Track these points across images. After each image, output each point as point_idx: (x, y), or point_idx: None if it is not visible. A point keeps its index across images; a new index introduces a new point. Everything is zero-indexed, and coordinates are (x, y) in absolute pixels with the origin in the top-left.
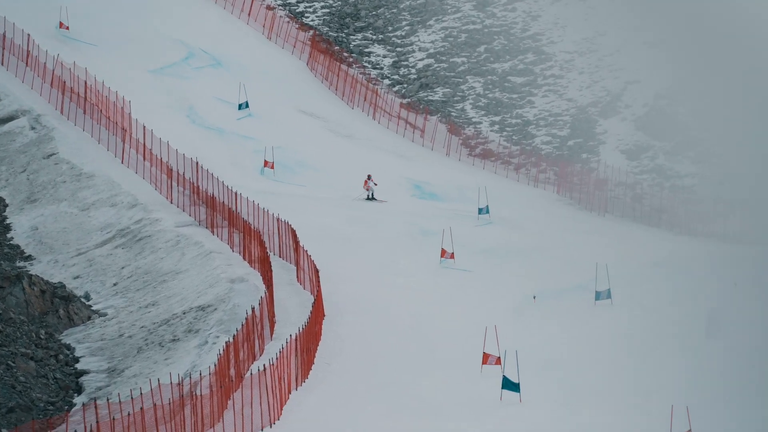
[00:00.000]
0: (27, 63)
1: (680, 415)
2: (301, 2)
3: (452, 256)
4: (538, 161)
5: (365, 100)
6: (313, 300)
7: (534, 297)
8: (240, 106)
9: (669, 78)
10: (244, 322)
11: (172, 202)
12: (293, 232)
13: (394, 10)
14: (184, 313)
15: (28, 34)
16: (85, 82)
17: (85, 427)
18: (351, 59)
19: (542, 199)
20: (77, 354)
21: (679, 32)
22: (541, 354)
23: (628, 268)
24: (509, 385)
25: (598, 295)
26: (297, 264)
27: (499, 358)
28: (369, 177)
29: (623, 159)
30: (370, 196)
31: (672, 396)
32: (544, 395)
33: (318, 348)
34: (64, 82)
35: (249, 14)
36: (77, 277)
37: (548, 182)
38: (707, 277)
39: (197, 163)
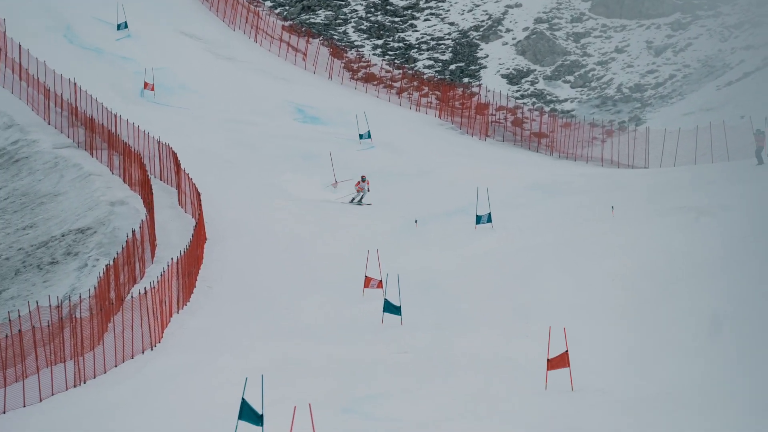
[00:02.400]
0: None
1: (558, 337)
2: None
3: (335, 183)
4: (420, 85)
5: (246, 22)
6: (194, 223)
7: (416, 221)
8: (119, 27)
9: (549, 1)
10: (124, 245)
11: (49, 123)
12: (174, 155)
13: None
14: (63, 236)
15: None
16: None
17: None
18: None
19: (424, 123)
20: None
21: None
22: (423, 277)
23: (508, 192)
24: (390, 308)
25: (478, 219)
26: (178, 187)
27: (381, 281)
28: (363, 178)
29: (504, 83)
30: (357, 200)
31: (550, 318)
32: (424, 318)
33: (199, 271)
34: None
35: None
36: None
37: (430, 106)
38: (586, 200)
39: (75, 84)
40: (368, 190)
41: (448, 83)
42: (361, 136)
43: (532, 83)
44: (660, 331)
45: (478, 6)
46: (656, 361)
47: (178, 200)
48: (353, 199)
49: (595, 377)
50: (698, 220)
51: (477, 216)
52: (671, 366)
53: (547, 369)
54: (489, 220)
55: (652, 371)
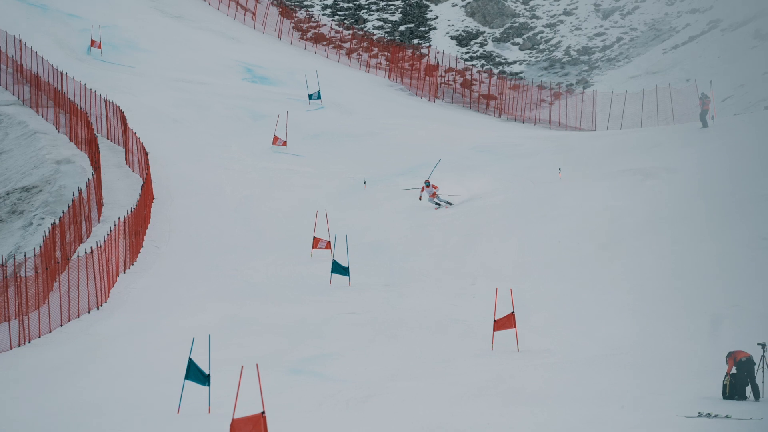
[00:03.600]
0: None
1: (504, 298)
2: None
3: (285, 143)
4: (370, 46)
5: None
6: (141, 183)
7: (364, 182)
8: None
9: None
10: (70, 203)
11: None
12: (122, 113)
13: None
14: (7, 194)
15: None
16: None
17: None
18: None
19: (374, 84)
20: None
21: None
22: (371, 238)
23: (457, 153)
24: (339, 269)
25: (428, 184)
26: (125, 146)
27: (329, 242)
28: (428, 183)
29: (453, 45)
30: (445, 202)
31: (497, 279)
32: (372, 279)
33: (146, 231)
34: None
35: None
36: None
37: (380, 67)
38: (534, 162)
39: (20, 40)
40: (438, 189)
41: (397, 44)
42: (310, 97)
43: (482, 45)
44: (605, 291)
45: None
46: (600, 322)
47: (126, 159)
48: (438, 204)
49: (541, 338)
50: (644, 183)
51: (426, 182)
52: (615, 327)
53: (494, 330)
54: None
55: (597, 332)
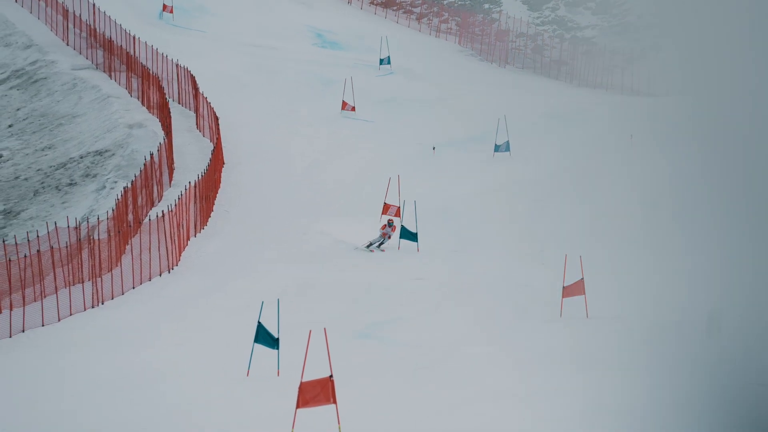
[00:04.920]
0: None
1: (574, 265)
2: None
3: (353, 108)
4: (441, 11)
5: None
6: (212, 147)
7: (433, 148)
8: None
9: None
10: (142, 167)
11: (68, 45)
12: (192, 78)
13: None
14: (81, 158)
15: None
16: None
17: None
18: None
19: (444, 49)
20: None
21: None
22: (439, 204)
23: (527, 120)
24: (407, 234)
25: (497, 148)
26: (196, 111)
27: (399, 208)
28: (390, 223)
29: (524, 10)
30: (375, 245)
31: (566, 246)
32: (441, 245)
33: (217, 195)
34: None
35: None
36: None
37: (450, 33)
38: (604, 128)
39: (94, 4)
40: (389, 238)
41: (468, 9)
42: (381, 62)
43: (553, 10)
44: (676, 258)
45: None
46: (671, 288)
47: (196, 124)
48: (370, 244)
49: (611, 305)
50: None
51: (495, 144)
52: (687, 294)
53: (563, 296)
54: (507, 148)
55: (668, 298)
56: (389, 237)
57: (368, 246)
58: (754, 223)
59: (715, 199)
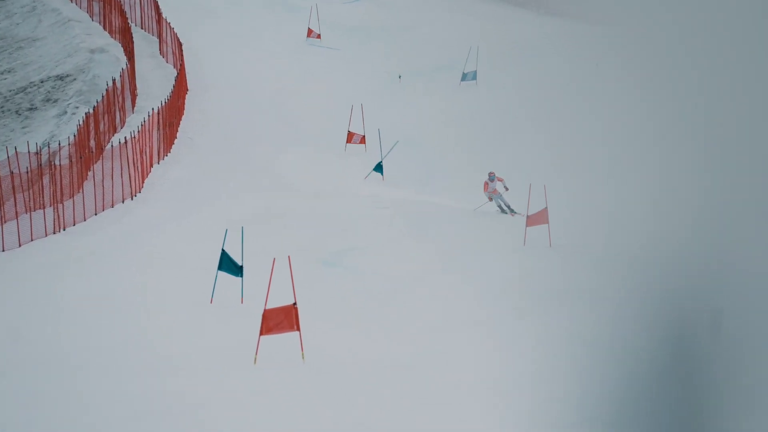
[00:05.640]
0: None
1: (537, 194)
2: None
3: (318, 36)
4: None
5: None
6: (176, 74)
7: (399, 76)
8: None
9: None
10: (104, 93)
11: None
12: (155, 2)
13: None
14: (42, 82)
15: None
16: None
17: None
18: None
19: None
20: None
21: None
22: (406, 134)
23: (493, 49)
24: (375, 165)
25: (464, 77)
26: (159, 36)
27: (363, 136)
28: (491, 177)
29: None
30: (505, 207)
31: (530, 175)
32: (406, 174)
33: (180, 122)
34: None
35: None
36: None
37: None
38: (572, 58)
39: None
40: (506, 189)
41: None
42: None
43: None
44: (640, 187)
45: None
46: (636, 219)
47: (159, 50)
48: (500, 206)
49: (574, 234)
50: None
51: (463, 73)
52: (651, 223)
53: (527, 225)
54: (474, 77)
55: (631, 229)
56: (495, 192)
57: (503, 211)
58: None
59: (679, 127)
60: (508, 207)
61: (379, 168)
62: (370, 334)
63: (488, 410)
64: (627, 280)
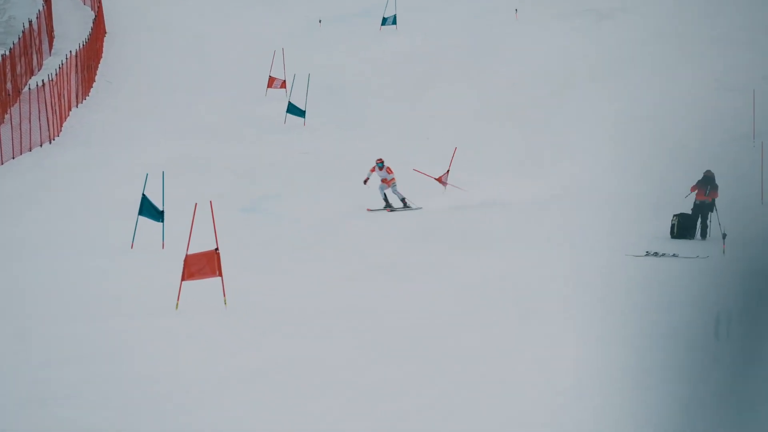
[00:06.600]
0: None
1: (463, 138)
2: None
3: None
4: None
5: None
6: (93, 16)
7: (320, 21)
8: None
9: None
10: (20, 35)
11: None
12: None
13: None
14: None
15: None
16: None
17: None
18: None
19: None
20: None
21: None
22: (326, 79)
23: None
24: (294, 109)
25: (384, 21)
26: None
27: (284, 81)
28: (380, 164)
29: None
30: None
31: (450, 122)
32: (327, 120)
33: (99, 66)
34: None
35: None
36: None
37: None
38: (490, 3)
39: None
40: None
41: None
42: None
43: None
44: (557, 135)
45: None
46: (553, 166)
47: None
48: (390, 204)
49: (494, 182)
50: (599, 24)
51: (383, 18)
52: (567, 170)
53: (447, 171)
54: (394, 22)
55: (549, 175)
56: (384, 182)
57: (386, 207)
58: (633, 93)
59: (597, 74)
60: (402, 200)
61: (298, 111)
62: (292, 281)
63: (413, 348)
64: (547, 224)
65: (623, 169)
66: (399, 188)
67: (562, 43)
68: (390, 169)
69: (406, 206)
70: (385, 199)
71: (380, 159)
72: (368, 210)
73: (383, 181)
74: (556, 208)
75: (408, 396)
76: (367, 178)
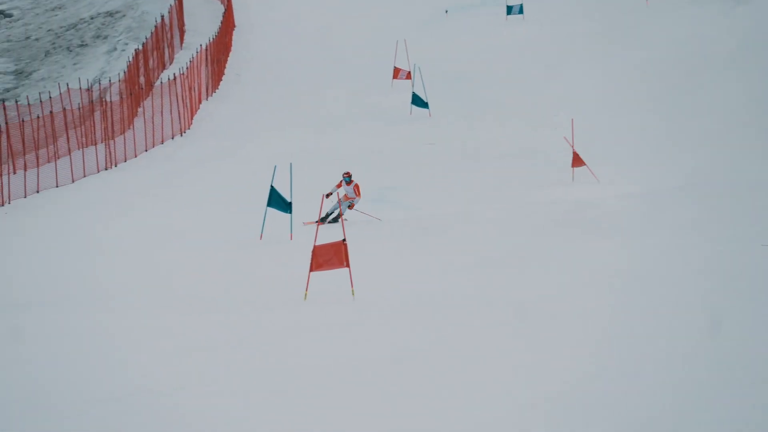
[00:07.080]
0: None
1: (584, 129)
2: None
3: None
4: None
5: None
6: (223, 10)
7: (446, 11)
8: None
9: None
10: (153, 29)
11: None
12: None
13: None
14: (92, 18)
15: None
16: None
17: None
18: None
19: None
20: None
21: None
22: (452, 68)
23: None
24: (418, 101)
25: (509, 10)
26: None
27: (409, 72)
28: (348, 177)
29: None
30: (332, 218)
31: (578, 109)
32: (453, 110)
33: (228, 59)
34: None
35: None
36: None
37: None
38: None
39: None
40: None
41: None
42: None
43: None
44: (688, 121)
45: None
46: (682, 152)
47: None
48: (327, 215)
49: (622, 168)
50: (735, 9)
51: (508, 6)
52: (697, 157)
53: (572, 165)
54: (521, 11)
55: (678, 162)
56: (346, 198)
57: (324, 218)
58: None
59: (730, 60)
60: (335, 217)
61: (422, 103)
62: (416, 270)
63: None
64: (676, 212)
65: (754, 156)
66: (357, 207)
67: (695, 29)
68: (358, 189)
69: (331, 221)
70: (330, 213)
71: (348, 173)
72: (304, 223)
73: (345, 197)
74: (684, 195)
75: (565, 382)
76: (330, 193)
